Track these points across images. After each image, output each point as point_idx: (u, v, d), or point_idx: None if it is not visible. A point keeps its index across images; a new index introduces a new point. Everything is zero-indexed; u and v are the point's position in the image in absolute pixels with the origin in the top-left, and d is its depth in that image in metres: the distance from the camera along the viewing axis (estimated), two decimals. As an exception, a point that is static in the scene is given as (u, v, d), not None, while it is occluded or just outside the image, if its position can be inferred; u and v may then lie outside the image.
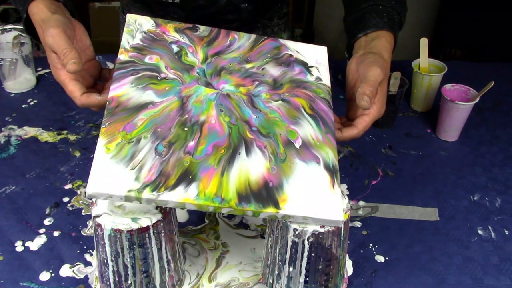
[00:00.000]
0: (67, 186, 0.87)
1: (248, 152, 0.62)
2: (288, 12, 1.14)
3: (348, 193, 0.88)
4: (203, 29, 0.75)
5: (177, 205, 0.57)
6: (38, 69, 1.17)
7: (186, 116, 0.64)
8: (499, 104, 1.14)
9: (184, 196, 0.57)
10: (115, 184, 0.56)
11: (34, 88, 1.13)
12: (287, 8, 1.13)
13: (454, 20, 2.33)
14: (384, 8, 0.77)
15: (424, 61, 1.08)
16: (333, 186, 0.62)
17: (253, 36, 0.76)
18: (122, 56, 0.68)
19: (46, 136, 0.99)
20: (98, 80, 0.71)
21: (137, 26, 0.72)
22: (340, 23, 0.84)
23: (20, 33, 1.08)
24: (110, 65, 1.21)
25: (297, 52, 0.76)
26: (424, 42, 1.07)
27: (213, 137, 0.62)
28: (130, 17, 0.73)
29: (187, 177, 0.58)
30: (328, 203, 0.60)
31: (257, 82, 0.70)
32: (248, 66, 0.72)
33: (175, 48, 0.71)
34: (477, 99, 0.97)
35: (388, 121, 1.04)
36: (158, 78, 0.67)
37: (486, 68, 1.27)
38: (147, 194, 0.56)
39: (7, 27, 1.08)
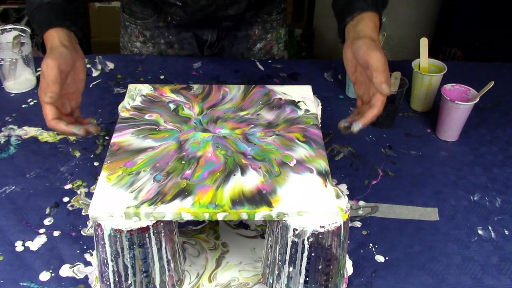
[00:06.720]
0: (67, 186, 0.87)
1: (243, 173, 0.66)
2: (285, 8, 1.22)
3: (348, 193, 0.88)
4: (196, 88, 0.83)
5: (174, 216, 0.60)
6: (38, 69, 1.17)
7: (184, 153, 0.69)
8: (499, 104, 1.14)
9: (180, 206, 0.60)
10: (115, 204, 0.61)
11: (34, 88, 1.13)
12: (285, 4, 1.21)
13: (454, 20, 2.33)
14: None
15: (424, 61, 1.08)
16: (326, 186, 0.64)
17: (243, 86, 0.83)
18: (124, 114, 0.76)
19: (46, 136, 0.99)
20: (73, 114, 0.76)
21: (137, 91, 0.81)
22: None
23: (20, 33, 1.08)
24: (110, 65, 1.21)
25: (284, 94, 0.82)
26: (424, 42, 1.07)
27: (209, 165, 0.67)
28: (131, 86, 0.82)
29: (183, 193, 0.62)
30: (321, 198, 0.62)
31: (252, 125, 0.74)
32: (242, 113, 0.77)
33: (172, 106, 0.78)
34: (477, 99, 0.97)
35: (388, 121, 1.04)
36: (157, 129, 0.73)
37: (486, 68, 1.27)
38: (144, 208, 0.60)
39: (7, 27, 1.08)
